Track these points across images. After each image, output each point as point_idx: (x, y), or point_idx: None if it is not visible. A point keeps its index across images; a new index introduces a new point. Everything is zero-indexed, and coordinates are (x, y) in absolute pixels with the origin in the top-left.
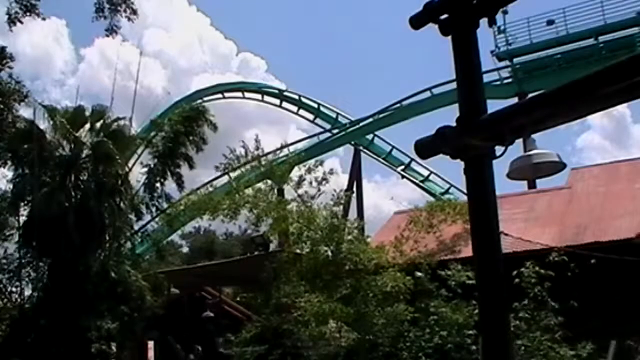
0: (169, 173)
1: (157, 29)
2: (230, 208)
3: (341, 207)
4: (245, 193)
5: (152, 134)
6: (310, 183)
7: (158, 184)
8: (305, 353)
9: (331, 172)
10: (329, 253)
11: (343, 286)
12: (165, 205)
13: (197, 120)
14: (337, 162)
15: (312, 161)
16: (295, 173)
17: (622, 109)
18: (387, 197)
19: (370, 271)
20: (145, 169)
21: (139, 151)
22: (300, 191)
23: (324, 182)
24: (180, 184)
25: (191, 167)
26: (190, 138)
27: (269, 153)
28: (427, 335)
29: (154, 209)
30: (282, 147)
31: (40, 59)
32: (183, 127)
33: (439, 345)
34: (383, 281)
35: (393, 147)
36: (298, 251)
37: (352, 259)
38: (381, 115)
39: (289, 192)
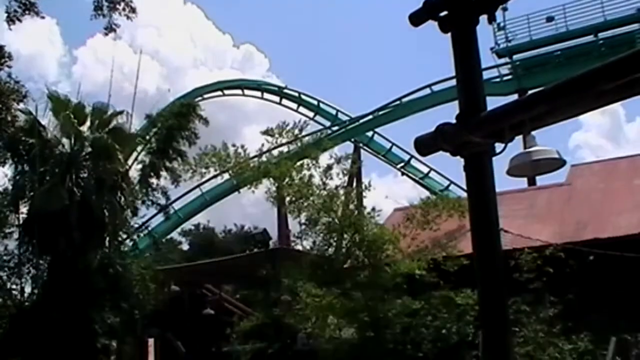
0: (163, 168)
1: (152, 26)
2: (260, 174)
3: (353, 195)
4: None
5: (148, 129)
6: (337, 174)
7: (153, 179)
8: (305, 348)
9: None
10: (344, 242)
11: (346, 280)
12: (161, 200)
13: (189, 115)
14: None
15: (336, 150)
16: (323, 161)
17: (616, 107)
18: (386, 195)
19: (379, 263)
20: (140, 165)
21: (138, 149)
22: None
23: (346, 172)
24: (174, 179)
25: (184, 162)
26: (183, 133)
27: (263, 153)
28: (430, 330)
29: (150, 204)
30: (278, 147)
31: (34, 58)
32: (176, 122)
33: (442, 343)
34: (392, 271)
35: (393, 144)
36: (299, 248)
37: (368, 249)
38: (381, 112)
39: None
